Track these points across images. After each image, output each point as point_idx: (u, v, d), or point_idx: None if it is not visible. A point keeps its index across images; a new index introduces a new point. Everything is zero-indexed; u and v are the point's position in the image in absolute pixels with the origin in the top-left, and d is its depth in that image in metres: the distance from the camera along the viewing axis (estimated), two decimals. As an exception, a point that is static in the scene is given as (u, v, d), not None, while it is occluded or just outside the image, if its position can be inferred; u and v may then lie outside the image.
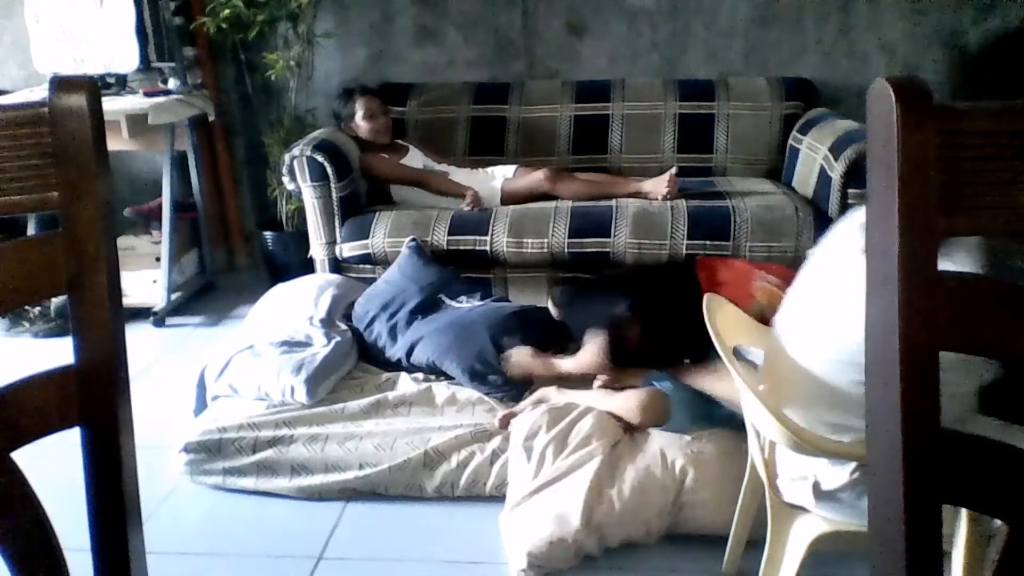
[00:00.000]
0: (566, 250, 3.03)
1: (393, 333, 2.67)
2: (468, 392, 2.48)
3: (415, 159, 3.42)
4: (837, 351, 1.39)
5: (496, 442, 2.27)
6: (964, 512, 1.33)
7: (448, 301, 2.78)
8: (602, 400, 2.27)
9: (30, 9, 3.45)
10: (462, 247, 3.07)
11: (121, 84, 3.53)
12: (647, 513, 1.99)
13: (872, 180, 0.66)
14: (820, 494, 1.46)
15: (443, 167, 3.42)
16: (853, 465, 1.40)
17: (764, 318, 1.78)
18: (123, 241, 3.66)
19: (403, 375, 2.59)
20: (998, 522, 1.16)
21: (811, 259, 1.56)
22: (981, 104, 0.65)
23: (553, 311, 2.79)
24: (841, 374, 1.38)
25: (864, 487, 1.39)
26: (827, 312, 1.44)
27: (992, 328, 0.68)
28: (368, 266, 3.18)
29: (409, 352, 2.60)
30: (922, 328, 0.65)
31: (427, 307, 2.75)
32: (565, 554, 1.92)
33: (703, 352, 2.09)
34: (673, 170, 3.17)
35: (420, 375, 2.59)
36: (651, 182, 3.19)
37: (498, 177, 3.34)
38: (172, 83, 3.54)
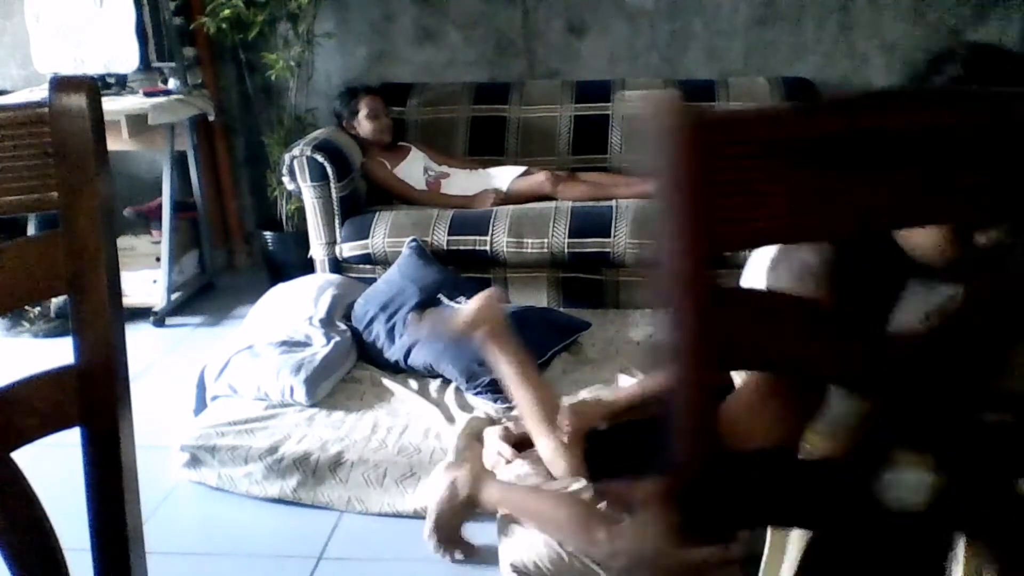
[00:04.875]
0: (566, 250, 3.03)
1: (391, 334, 2.67)
2: (466, 394, 2.47)
3: (416, 161, 3.42)
4: None
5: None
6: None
7: (447, 302, 2.77)
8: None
9: (30, 9, 3.45)
10: (462, 247, 3.07)
11: (121, 84, 3.53)
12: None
13: (659, 199, 0.64)
14: None
15: (444, 168, 3.42)
16: None
17: None
18: (123, 241, 3.66)
19: (402, 376, 2.60)
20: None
21: None
22: (743, 112, 0.62)
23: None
24: None
25: None
26: None
27: (784, 344, 0.65)
28: (368, 266, 3.18)
29: (407, 354, 2.59)
30: (707, 346, 0.62)
31: (426, 308, 2.74)
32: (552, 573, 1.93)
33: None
34: None
35: (418, 376, 2.59)
36: None
37: (503, 177, 3.34)
38: (172, 83, 3.54)
